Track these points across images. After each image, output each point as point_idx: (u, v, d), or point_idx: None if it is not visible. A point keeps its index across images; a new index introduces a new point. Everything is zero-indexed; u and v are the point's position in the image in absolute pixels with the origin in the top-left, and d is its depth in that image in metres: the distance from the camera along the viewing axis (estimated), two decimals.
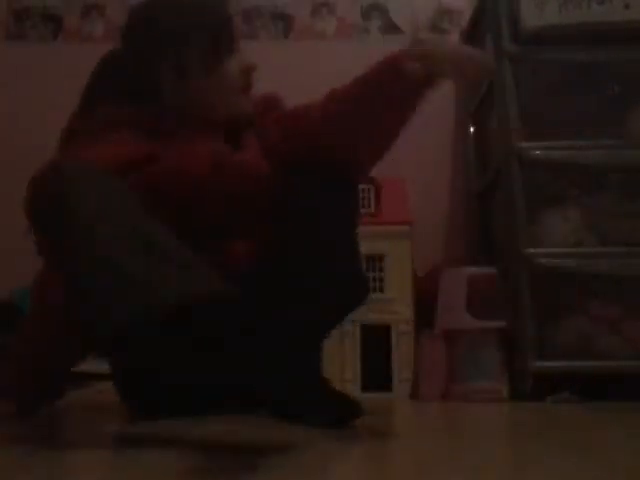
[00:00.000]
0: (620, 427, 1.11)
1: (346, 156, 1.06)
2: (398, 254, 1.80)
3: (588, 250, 1.69)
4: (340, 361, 1.70)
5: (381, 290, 1.76)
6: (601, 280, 1.66)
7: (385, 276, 1.78)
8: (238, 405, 1.14)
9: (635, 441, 0.93)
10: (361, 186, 1.94)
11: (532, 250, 1.68)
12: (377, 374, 1.70)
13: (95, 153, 0.96)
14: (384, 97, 1.01)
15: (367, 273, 1.74)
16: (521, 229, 1.69)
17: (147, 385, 1.13)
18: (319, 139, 1.06)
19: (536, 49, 1.82)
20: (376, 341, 1.73)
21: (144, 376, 1.13)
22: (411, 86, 0.99)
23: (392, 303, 1.75)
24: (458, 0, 2.40)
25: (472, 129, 2.28)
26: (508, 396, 1.62)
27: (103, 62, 1.21)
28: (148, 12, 1.14)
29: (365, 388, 1.69)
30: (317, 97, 1.10)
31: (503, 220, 1.82)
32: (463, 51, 1.00)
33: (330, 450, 0.83)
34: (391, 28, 2.40)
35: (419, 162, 2.24)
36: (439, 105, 2.33)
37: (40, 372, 1.25)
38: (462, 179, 2.29)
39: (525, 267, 1.66)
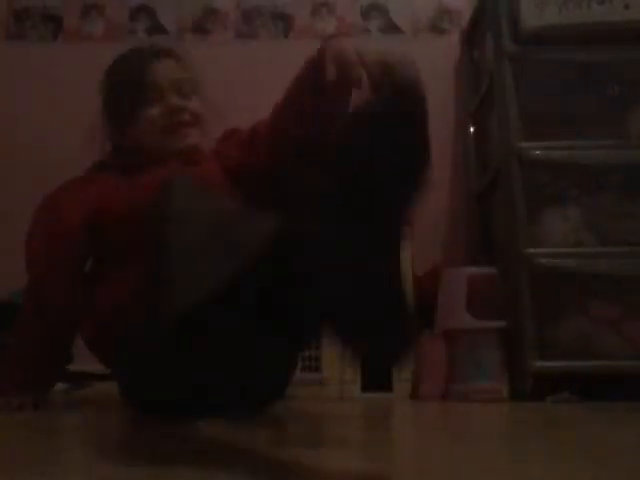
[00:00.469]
0: (620, 427, 1.11)
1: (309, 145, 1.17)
2: None
3: (588, 250, 1.69)
4: (340, 361, 1.70)
5: None
6: (601, 280, 1.66)
7: None
8: (238, 406, 1.14)
9: (635, 441, 0.93)
10: None
11: (532, 250, 1.68)
12: (377, 374, 1.70)
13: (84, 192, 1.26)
14: (313, 95, 1.12)
15: None
16: (521, 229, 1.69)
17: (148, 385, 1.13)
18: (273, 147, 1.22)
19: (536, 49, 1.82)
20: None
21: (145, 376, 1.13)
22: (332, 86, 1.06)
23: None
24: (458, 0, 2.40)
25: (472, 129, 2.28)
26: (508, 396, 1.62)
27: None
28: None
29: (365, 388, 1.69)
30: None
31: (503, 220, 1.82)
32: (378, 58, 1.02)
33: (329, 450, 0.83)
34: (391, 28, 2.40)
35: None
36: (439, 105, 2.34)
37: (33, 370, 1.27)
38: (462, 179, 2.29)
39: (525, 267, 1.66)
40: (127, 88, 1.31)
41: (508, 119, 1.78)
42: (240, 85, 2.20)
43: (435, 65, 2.32)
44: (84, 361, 1.38)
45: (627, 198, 1.74)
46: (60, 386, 1.62)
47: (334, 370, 1.69)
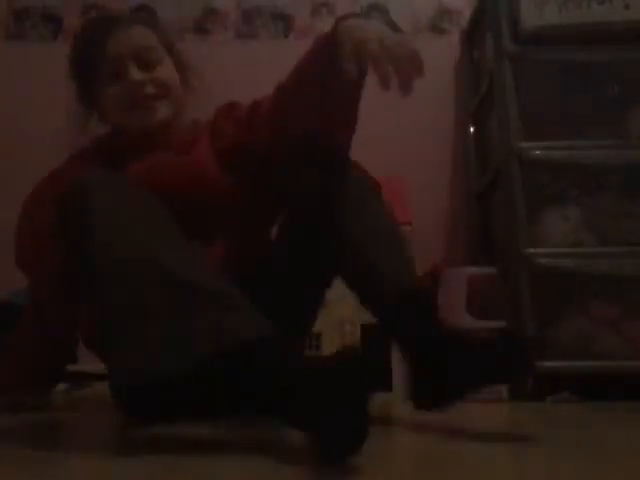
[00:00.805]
0: (620, 427, 1.11)
1: (317, 136, 1.10)
2: None
3: (588, 250, 1.69)
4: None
5: None
6: (601, 280, 1.66)
7: None
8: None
9: (635, 441, 0.93)
10: None
11: (532, 250, 1.67)
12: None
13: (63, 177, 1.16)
14: (323, 76, 1.04)
15: None
16: (521, 229, 1.69)
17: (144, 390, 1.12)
18: (274, 128, 1.14)
19: (536, 49, 1.82)
20: (376, 341, 1.72)
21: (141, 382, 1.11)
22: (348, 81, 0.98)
23: None
24: (458, 0, 2.40)
25: (472, 129, 2.28)
26: (508, 396, 1.62)
27: None
28: None
29: None
30: None
31: (503, 220, 1.82)
32: (402, 51, 0.94)
33: None
34: (391, 28, 2.40)
35: (419, 162, 2.24)
36: (439, 105, 2.34)
37: (34, 370, 1.26)
38: (462, 179, 2.29)
39: (525, 267, 1.66)
40: (85, 66, 1.22)
41: (508, 119, 1.77)
42: (240, 85, 2.19)
43: (435, 65, 2.32)
44: (84, 361, 1.38)
45: (627, 198, 1.74)
46: (60, 386, 1.62)
47: None
